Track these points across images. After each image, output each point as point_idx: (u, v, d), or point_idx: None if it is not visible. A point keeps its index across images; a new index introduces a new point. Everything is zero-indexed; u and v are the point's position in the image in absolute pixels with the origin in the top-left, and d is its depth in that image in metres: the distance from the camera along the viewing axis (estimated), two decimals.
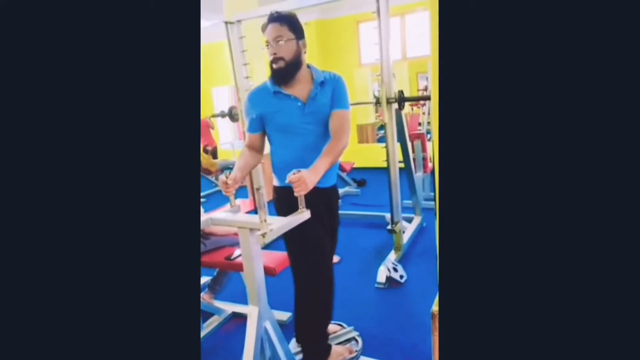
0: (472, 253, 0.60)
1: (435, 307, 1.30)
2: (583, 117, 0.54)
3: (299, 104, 1.40)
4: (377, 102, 2.59)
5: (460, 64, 0.60)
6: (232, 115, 3.12)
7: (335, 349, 1.67)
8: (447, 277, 0.62)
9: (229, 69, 2.79)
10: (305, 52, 1.41)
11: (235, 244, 2.10)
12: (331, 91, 1.42)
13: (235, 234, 2.10)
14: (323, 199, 1.48)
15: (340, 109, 1.42)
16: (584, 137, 0.54)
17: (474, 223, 0.60)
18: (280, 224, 1.05)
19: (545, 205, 0.56)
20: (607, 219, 0.54)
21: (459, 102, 0.60)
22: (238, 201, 1.33)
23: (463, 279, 0.60)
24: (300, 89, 1.42)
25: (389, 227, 2.72)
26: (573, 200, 0.55)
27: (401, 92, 2.61)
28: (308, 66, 1.45)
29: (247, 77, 2.78)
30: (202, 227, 1.18)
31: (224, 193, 1.27)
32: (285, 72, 1.37)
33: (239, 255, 1.94)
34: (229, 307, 2.17)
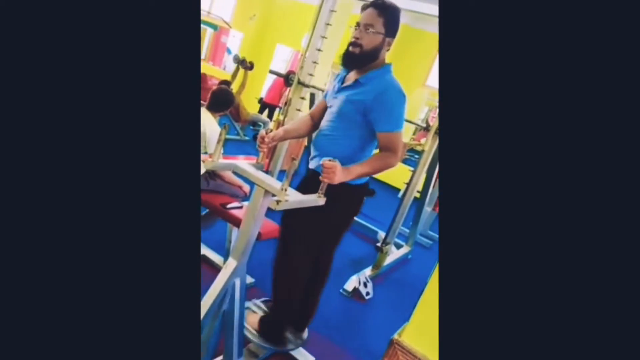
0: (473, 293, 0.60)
1: (396, 336, 1.33)
2: (581, 152, 0.55)
3: (337, 86, 1.42)
4: (426, 128, 2.57)
5: (461, 98, 0.61)
6: (288, 79, 3.07)
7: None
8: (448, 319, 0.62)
9: (300, 32, 2.78)
10: (387, 50, 1.38)
11: (235, 195, 2.12)
12: (364, 98, 1.30)
13: (240, 187, 2.13)
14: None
15: (384, 131, 1.29)
16: (583, 170, 0.55)
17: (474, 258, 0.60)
18: (296, 199, 1.06)
19: (546, 245, 0.56)
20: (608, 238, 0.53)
21: (460, 135, 0.61)
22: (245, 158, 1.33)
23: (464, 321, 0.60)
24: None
25: (379, 244, 2.73)
26: (568, 238, 0.55)
27: None
28: (386, 64, 1.40)
29: (318, 50, 2.76)
30: (223, 169, 1.19)
31: (257, 146, 1.28)
32: (355, 58, 1.34)
33: (235, 207, 1.96)
34: (201, 249, 2.21)
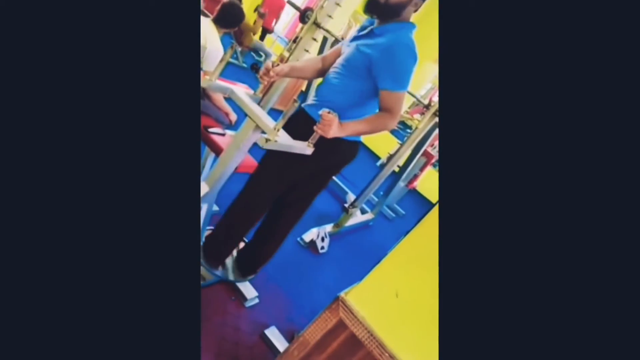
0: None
1: (343, 294, 1.39)
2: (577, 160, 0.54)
3: (355, 35, 1.36)
4: (427, 106, 2.53)
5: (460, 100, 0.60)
6: (304, 16, 2.80)
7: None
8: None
9: None
10: (414, 12, 1.30)
11: (219, 121, 2.06)
12: (372, 52, 1.23)
13: (227, 114, 2.06)
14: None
15: (386, 89, 1.23)
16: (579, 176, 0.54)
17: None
18: (285, 142, 1.04)
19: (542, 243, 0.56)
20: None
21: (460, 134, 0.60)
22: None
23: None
24: None
25: (347, 205, 2.79)
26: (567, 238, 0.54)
27: None
28: (409, 22, 1.32)
29: None
30: (219, 92, 1.14)
31: (259, 76, 1.22)
32: (378, 6, 1.25)
33: (217, 133, 1.91)
34: None
